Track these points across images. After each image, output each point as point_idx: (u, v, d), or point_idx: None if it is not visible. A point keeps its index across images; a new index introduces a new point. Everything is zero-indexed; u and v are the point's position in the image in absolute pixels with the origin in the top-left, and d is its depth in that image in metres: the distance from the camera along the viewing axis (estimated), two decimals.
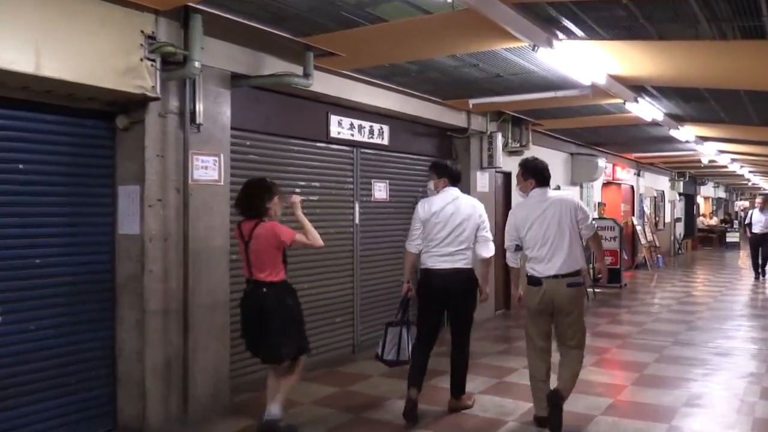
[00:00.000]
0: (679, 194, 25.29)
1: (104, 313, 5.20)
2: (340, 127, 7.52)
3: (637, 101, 8.45)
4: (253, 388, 6.22)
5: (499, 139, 9.95)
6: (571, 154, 14.10)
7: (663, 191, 23.11)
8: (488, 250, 5.61)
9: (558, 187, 12.35)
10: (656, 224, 21.43)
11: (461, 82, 7.59)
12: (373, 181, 8.18)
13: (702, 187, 30.48)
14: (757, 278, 15.86)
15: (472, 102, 8.54)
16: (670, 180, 23.66)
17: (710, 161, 17.71)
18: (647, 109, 9.06)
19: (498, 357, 7.75)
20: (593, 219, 5.56)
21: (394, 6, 4.99)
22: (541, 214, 5.19)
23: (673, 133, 11.47)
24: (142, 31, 4.88)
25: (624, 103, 8.45)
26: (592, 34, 5.65)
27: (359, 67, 6.84)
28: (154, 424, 5.18)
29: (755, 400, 6.11)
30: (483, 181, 9.96)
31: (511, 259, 5.50)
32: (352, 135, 7.73)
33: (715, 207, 36.36)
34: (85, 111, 5.01)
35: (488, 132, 9.87)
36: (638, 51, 6.20)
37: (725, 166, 19.90)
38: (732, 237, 27.69)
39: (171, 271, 5.27)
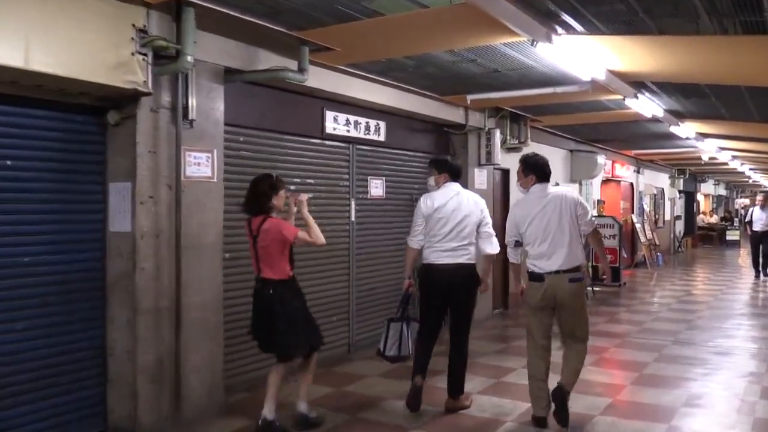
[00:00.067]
0: (679, 192, 25.25)
1: (94, 311, 5.13)
2: (335, 123, 7.45)
3: (636, 97, 8.41)
4: (248, 388, 6.19)
5: (497, 136, 9.88)
6: (571, 150, 14.06)
7: (663, 188, 23.08)
8: (493, 247, 5.65)
9: (557, 184, 12.27)
10: (656, 222, 21.40)
11: (459, 77, 7.53)
12: (369, 178, 8.11)
13: (702, 185, 30.45)
14: (757, 276, 15.82)
15: (469, 98, 8.47)
16: (670, 177, 23.62)
17: (710, 158, 17.69)
18: (647, 105, 9.02)
19: (496, 357, 7.70)
20: (593, 216, 5.51)
21: (390, 0, 4.92)
22: (542, 210, 5.22)
23: (673, 129, 11.45)
24: (134, 25, 4.80)
25: (624, 99, 8.43)
26: (591, 29, 5.59)
27: (355, 62, 6.77)
28: (145, 424, 5.11)
29: (755, 400, 6.09)
30: (481, 178, 9.88)
31: (512, 255, 5.52)
32: (348, 131, 7.65)
33: (715, 204, 36.36)
34: (76, 106, 4.94)
35: (486, 128, 9.81)
36: (638, 46, 6.15)
37: (726, 163, 19.88)
38: (732, 235, 27.69)
39: (163, 269, 5.20)
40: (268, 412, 5.07)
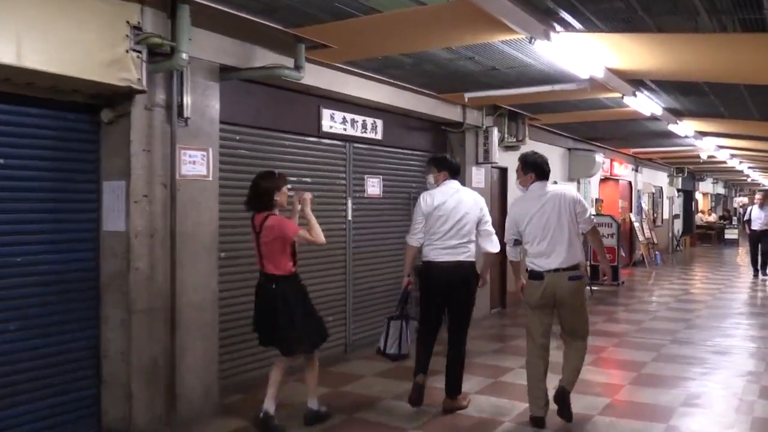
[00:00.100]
0: (678, 190, 25.24)
1: (88, 312, 5.09)
2: (332, 121, 7.41)
3: (635, 95, 8.37)
4: (244, 389, 6.15)
5: (495, 134, 9.84)
6: (569, 149, 14.02)
7: (661, 187, 23.05)
8: (493, 245, 5.68)
9: (555, 183, 12.23)
10: (654, 221, 21.36)
11: (456, 75, 7.48)
12: (366, 176, 8.07)
13: (701, 183, 30.43)
14: (756, 275, 15.81)
15: (467, 96, 8.42)
16: (668, 176, 23.59)
17: (709, 157, 17.64)
18: (646, 104, 8.99)
19: (493, 356, 7.67)
20: (591, 214, 5.51)
21: None
22: (541, 208, 5.24)
23: (671, 127, 11.41)
24: (128, 22, 4.75)
25: (622, 98, 8.40)
26: (590, 27, 5.55)
27: (352, 59, 6.72)
28: (140, 426, 5.06)
29: (754, 399, 6.07)
30: (478, 176, 9.84)
31: (511, 253, 5.54)
32: (345, 129, 7.61)
33: (713, 203, 36.34)
34: (69, 104, 4.89)
35: (484, 126, 9.78)
36: (637, 44, 6.11)
37: (724, 162, 19.84)
38: (731, 234, 27.66)
39: (157, 268, 5.16)
40: (269, 406, 5.11)
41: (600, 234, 5.72)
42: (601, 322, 9.71)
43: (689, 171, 25.00)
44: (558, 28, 5.59)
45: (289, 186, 5.34)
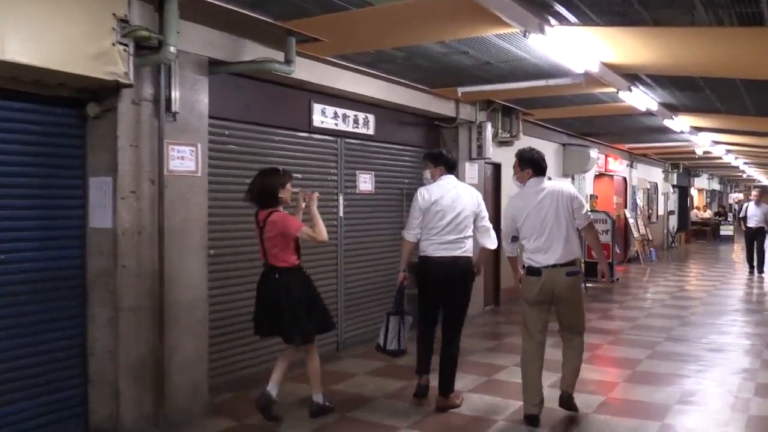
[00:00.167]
0: (673, 186, 25.25)
1: (74, 310, 4.99)
2: (323, 116, 7.33)
3: (630, 90, 8.35)
4: (235, 387, 6.11)
5: (489, 129, 9.78)
6: (563, 144, 13.97)
7: (656, 183, 23.04)
8: (491, 242, 5.75)
9: (549, 179, 12.18)
10: (649, 217, 21.34)
11: (450, 69, 7.42)
12: (358, 172, 7.99)
13: (696, 179, 30.48)
14: (751, 272, 15.77)
15: (460, 90, 8.36)
16: (663, 171, 23.59)
17: (705, 152, 17.61)
18: (641, 99, 8.96)
19: (487, 354, 7.62)
20: (588, 211, 5.51)
21: None
22: (538, 204, 5.27)
23: (667, 123, 11.39)
24: (114, 14, 4.64)
25: (617, 92, 8.36)
26: (585, 20, 5.51)
27: (343, 53, 6.65)
28: (128, 425, 4.99)
29: (749, 397, 6.05)
30: (472, 172, 9.77)
31: (508, 249, 5.63)
32: (336, 124, 7.54)
33: (709, 199, 36.38)
34: (54, 98, 4.79)
35: (477, 122, 9.71)
36: (632, 37, 6.08)
37: (720, 158, 19.84)
38: (726, 230, 27.71)
39: (145, 266, 5.08)
40: (271, 388, 5.24)
41: (597, 231, 5.74)
42: (595, 319, 9.66)
43: (684, 167, 25.03)
44: (553, 21, 5.55)
45: (293, 183, 5.37)
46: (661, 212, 23.64)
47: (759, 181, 36.99)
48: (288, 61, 5.85)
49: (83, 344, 5.04)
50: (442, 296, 5.61)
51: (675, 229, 25.76)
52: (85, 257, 5.05)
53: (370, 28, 5.80)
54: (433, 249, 5.54)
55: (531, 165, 5.42)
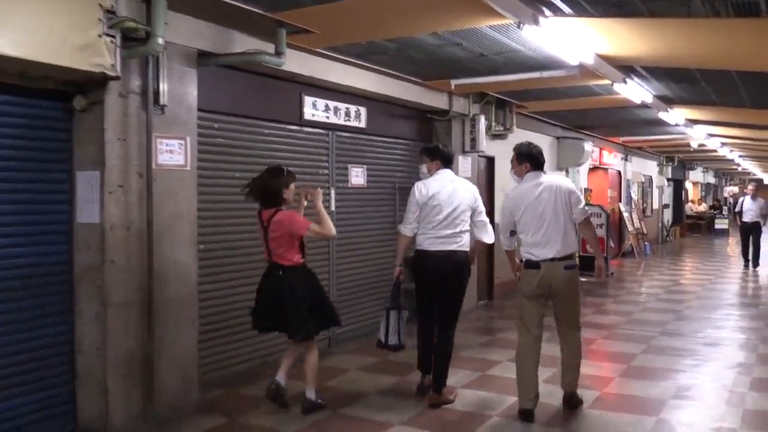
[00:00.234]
0: (668, 179, 25.21)
1: (62, 306, 4.92)
2: (314, 108, 7.25)
3: (625, 82, 8.31)
4: (226, 384, 6.06)
5: (482, 122, 9.71)
6: (557, 137, 13.93)
7: (651, 176, 23.03)
8: (489, 236, 5.76)
9: (543, 172, 12.15)
10: (644, 211, 21.33)
11: (443, 61, 7.35)
12: (349, 166, 7.91)
13: (691, 173, 30.48)
14: (746, 266, 15.75)
15: (454, 83, 8.29)
16: (658, 165, 23.57)
17: (700, 145, 17.59)
18: (636, 91, 8.92)
19: (481, 349, 7.58)
20: (585, 205, 5.53)
21: None
22: (536, 198, 5.28)
23: (662, 115, 11.35)
24: (101, 5, 4.57)
25: (612, 85, 8.31)
26: (579, 11, 5.46)
27: (334, 44, 6.58)
28: (117, 423, 4.92)
29: (745, 391, 6.04)
30: (465, 165, 9.69)
31: (506, 243, 5.63)
32: (327, 117, 7.46)
33: (704, 193, 36.41)
34: (40, 91, 4.71)
35: (471, 114, 9.64)
36: (628, 29, 6.02)
37: (715, 151, 19.81)
38: (721, 224, 27.67)
39: (134, 261, 5.01)
40: (280, 378, 5.36)
41: (593, 226, 5.75)
42: (590, 314, 9.62)
43: (679, 160, 25.01)
44: (547, 12, 5.50)
45: (296, 183, 5.40)
46: (655, 206, 23.65)
47: (754, 175, 37.09)
48: (278, 53, 5.78)
49: (71, 341, 4.98)
50: (437, 290, 5.60)
51: (670, 223, 25.78)
52: (72, 252, 4.97)
53: (362, 18, 5.73)
54: (430, 243, 5.54)
55: (529, 159, 5.45)
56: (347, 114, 7.73)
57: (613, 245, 15.74)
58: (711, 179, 38.65)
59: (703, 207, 31.19)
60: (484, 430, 5.13)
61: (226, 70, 6.01)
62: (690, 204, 30.39)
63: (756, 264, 15.65)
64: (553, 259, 5.19)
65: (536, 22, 5.46)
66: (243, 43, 5.82)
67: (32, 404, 4.73)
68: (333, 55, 6.89)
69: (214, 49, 5.60)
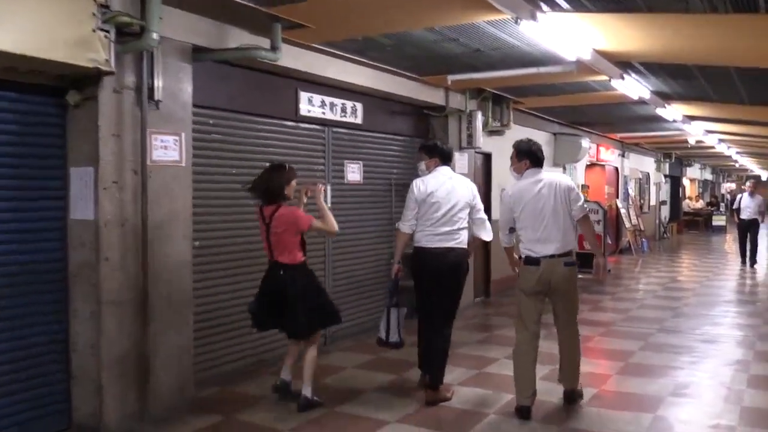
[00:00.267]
0: (665, 176, 25.23)
1: (56, 304, 4.88)
2: (310, 104, 7.20)
3: (623, 78, 8.28)
4: (220, 382, 6.03)
5: (479, 118, 9.68)
6: (554, 134, 13.89)
7: (648, 173, 23.02)
8: (487, 233, 5.76)
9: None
10: (641, 207, 21.32)
11: (439, 57, 7.32)
12: (345, 162, 7.86)
13: (688, 169, 30.51)
14: (744, 263, 15.73)
15: (450, 78, 8.25)
16: (655, 161, 23.57)
17: (697, 141, 17.59)
18: (633, 87, 8.90)
19: (478, 346, 7.55)
20: (584, 203, 5.56)
21: None
22: (536, 195, 5.29)
23: (659, 111, 11.35)
24: (95, 0, 4.51)
25: (610, 81, 8.30)
26: (577, 6, 5.43)
27: (331, 40, 6.54)
28: (111, 422, 4.89)
29: (742, 389, 6.03)
30: (461, 162, 9.62)
31: (505, 240, 5.64)
32: (324, 113, 7.41)
33: (701, 189, 36.44)
34: (32, 86, 4.66)
35: (467, 110, 9.61)
36: (625, 24, 5.98)
37: (712, 147, 19.81)
38: (718, 220, 27.68)
39: (128, 258, 4.97)
40: (285, 375, 5.51)
41: (592, 223, 5.75)
42: (587, 311, 9.60)
43: (677, 156, 25.02)
44: (545, 7, 5.47)
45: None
46: (653, 202, 23.64)
47: (751, 171, 37.09)
48: (274, 48, 5.75)
49: (65, 339, 4.94)
50: (435, 287, 5.58)
51: (667, 220, 25.78)
52: (66, 250, 4.93)
53: (359, 14, 5.69)
54: (428, 240, 5.54)
55: (528, 156, 5.44)
56: (343, 110, 7.68)
57: (610, 242, 15.72)
58: (708, 176, 38.69)
59: (700, 204, 31.20)
60: (481, 427, 5.11)
61: (222, 65, 5.97)
62: (687, 201, 30.40)
63: (753, 261, 15.63)
64: (552, 256, 5.20)
65: (533, 17, 5.43)
66: (238, 38, 5.78)
67: (27, 403, 4.69)
68: (329, 50, 6.84)
69: (209, 44, 5.57)
